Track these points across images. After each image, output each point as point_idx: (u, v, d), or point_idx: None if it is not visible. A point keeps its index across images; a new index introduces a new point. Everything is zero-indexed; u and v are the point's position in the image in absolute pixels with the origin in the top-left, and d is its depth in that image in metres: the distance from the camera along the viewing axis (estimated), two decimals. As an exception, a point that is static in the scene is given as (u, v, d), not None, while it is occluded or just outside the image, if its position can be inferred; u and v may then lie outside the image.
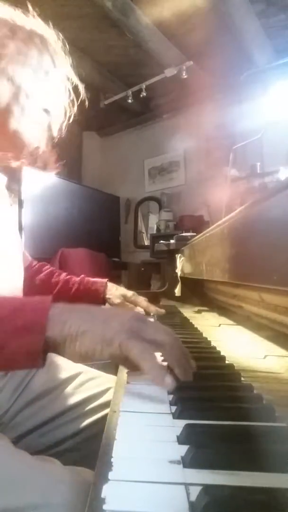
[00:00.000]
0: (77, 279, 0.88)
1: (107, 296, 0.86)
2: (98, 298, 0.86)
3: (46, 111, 0.68)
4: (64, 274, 0.90)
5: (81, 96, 0.77)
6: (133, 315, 0.39)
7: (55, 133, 0.73)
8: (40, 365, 0.36)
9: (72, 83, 0.74)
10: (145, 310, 0.88)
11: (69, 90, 0.74)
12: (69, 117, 0.75)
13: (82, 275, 0.90)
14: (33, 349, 0.35)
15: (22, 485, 0.39)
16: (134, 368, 0.38)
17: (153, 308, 0.88)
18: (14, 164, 0.67)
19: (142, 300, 0.88)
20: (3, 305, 0.38)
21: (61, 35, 0.70)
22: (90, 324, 0.37)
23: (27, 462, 0.42)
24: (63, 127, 0.75)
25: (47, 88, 0.68)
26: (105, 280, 0.89)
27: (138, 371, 0.37)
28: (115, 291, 0.87)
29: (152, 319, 0.43)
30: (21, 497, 0.38)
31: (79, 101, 0.76)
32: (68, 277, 0.89)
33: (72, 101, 0.75)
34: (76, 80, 0.74)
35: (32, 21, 0.67)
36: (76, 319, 0.37)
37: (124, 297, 0.87)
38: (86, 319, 0.38)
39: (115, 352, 0.36)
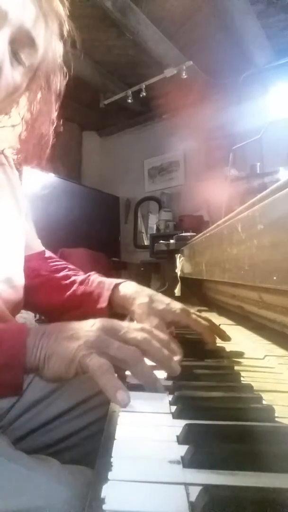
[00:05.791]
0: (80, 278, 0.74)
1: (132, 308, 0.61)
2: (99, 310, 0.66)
3: None
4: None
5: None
6: (100, 327, 0.39)
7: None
8: (20, 394, 0.39)
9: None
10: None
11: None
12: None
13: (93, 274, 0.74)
14: (15, 382, 0.38)
15: (21, 487, 0.39)
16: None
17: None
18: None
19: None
20: None
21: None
22: (55, 346, 0.38)
23: (25, 463, 0.42)
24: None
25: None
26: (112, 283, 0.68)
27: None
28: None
29: (125, 326, 0.40)
30: (22, 499, 0.37)
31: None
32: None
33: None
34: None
35: None
36: (44, 344, 0.38)
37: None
38: (51, 342, 0.38)
39: (79, 369, 0.36)
